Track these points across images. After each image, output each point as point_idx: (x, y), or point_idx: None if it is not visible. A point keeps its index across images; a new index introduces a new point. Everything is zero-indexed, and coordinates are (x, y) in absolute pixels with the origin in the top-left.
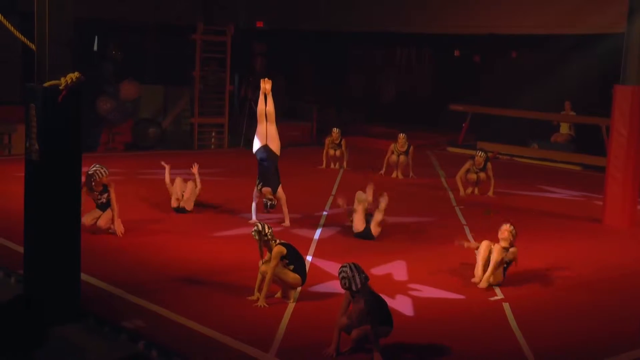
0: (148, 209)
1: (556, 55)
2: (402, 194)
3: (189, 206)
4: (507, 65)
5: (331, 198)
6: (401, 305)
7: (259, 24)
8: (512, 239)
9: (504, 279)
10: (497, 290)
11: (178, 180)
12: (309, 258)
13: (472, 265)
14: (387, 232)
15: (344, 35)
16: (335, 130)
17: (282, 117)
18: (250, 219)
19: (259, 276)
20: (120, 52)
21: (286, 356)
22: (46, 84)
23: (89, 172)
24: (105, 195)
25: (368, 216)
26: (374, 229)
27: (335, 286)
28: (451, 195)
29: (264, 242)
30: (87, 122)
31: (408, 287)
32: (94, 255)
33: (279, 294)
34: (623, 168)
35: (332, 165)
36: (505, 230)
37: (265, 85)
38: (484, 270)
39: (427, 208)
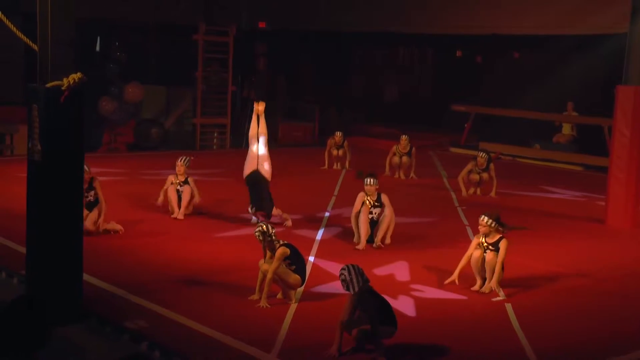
0: (150, 209)
1: (558, 55)
2: (404, 195)
3: (182, 216)
4: (509, 66)
5: (333, 199)
6: (403, 305)
7: (261, 25)
8: (493, 230)
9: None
10: (499, 290)
11: (171, 190)
12: (311, 258)
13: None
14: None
15: (345, 35)
16: (338, 134)
17: (284, 117)
18: (252, 220)
19: (260, 276)
20: (124, 53)
21: (288, 356)
22: (48, 85)
23: None
24: (92, 192)
25: None
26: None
27: (337, 287)
28: (453, 196)
29: (268, 243)
30: (89, 122)
31: (410, 288)
32: (96, 256)
33: (280, 295)
34: (625, 168)
35: (334, 166)
36: (481, 225)
37: (259, 107)
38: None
39: (429, 209)
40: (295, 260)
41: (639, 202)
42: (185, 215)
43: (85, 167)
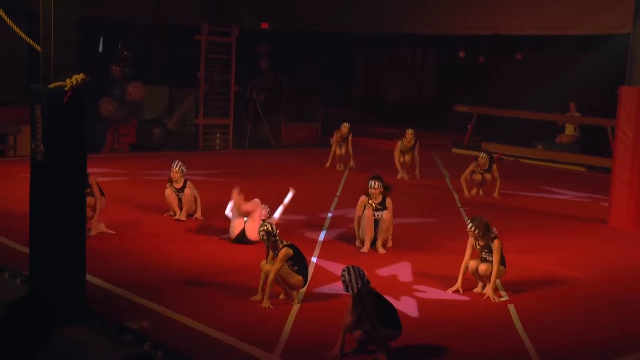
0: (153, 210)
1: (561, 56)
2: (407, 195)
3: (184, 217)
4: (512, 66)
5: (336, 199)
6: (406, 306)
7: (264, 25)
8: (480, 235)
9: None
10: (496, 298)
11: (170, 192)
12: (313, 259)
13: None
14: (393, 233)
15: (348, 36)
16: (345, 125)
17: (287, 118)
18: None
19: (262, 276)
20: (130, 53)
21: (291, 357)
22: (51, 85)
23: None
24: (88, 189)
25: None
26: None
27: (339, 288)
28: (456, 197)
29: (271, 243)
30: (92, 123)
31: (413, 289)
32: (99, 256)
33: (282, 295)
34: (629, 169)
35: (337, 167)
36: (468, 231)
37: (235, 196)
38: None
39: (431, 209)
40: (298, 261)
41: None
42: (187, 216)
43: None
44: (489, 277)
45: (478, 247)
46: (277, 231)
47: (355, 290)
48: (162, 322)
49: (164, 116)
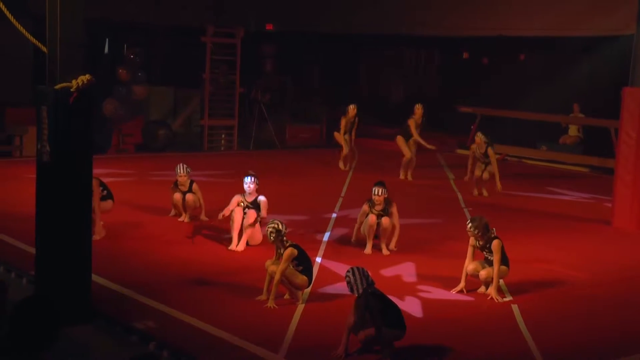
0: (158, 210)
1: (565, 57)
2: (411, 196)
3: (188, 219)
4: (516, 67)
5: (340, 200)
6: (410, 306)
7: (269, 27)
8: (480, 235)
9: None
10: (499, 298)
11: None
12: (318, 259)
13: None
14: (398, 236)
15: (352, 37)
16: (352, 106)
17: (291, 119)
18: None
19: (267, 277)
20: (137, 58)
21: (295, 357)
22: (57, 86)
23: None
24: None
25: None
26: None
27: (344, 288)
28: (460, 197)
29: (279, 241)
30: (98, 123)
31: (417, 289)
32: (104, 257)
33: (287, 295)
34: (632, 170)
35: (342, 167)
36: (468, 231)
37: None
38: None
39: (435, 210)
40: (302, 261)
41: None
42: (191, 217)
43: None
44: (490, 281)
45: (478, 246)
46: (286, 230)
47: (360, 291)
48: (167, 322)
49: (169, 117)
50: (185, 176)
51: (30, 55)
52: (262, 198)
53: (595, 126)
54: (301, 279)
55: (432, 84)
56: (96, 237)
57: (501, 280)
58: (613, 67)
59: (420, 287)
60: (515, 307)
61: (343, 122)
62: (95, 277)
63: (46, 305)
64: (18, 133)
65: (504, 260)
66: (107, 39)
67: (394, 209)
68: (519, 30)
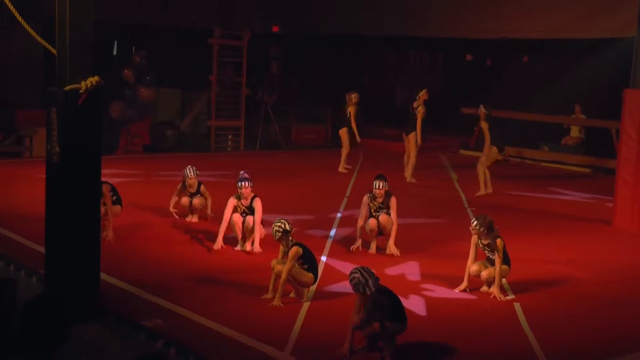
0: (166, 210)
1: (566, 59)
2: (414, 196)
3: (196, 219)
4: (518, 69)
5: (345, 200)
6: (414, 304)
7: (275, 29)
8: (484, 233)
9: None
10: (502, 297)
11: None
12: (323, 258)
13: None
14: (400, 233)
15: (358, 38)
16: (354, 95)
17: (297, 119)
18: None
19: (273, 275)
20: (145, 58)
21: (301, 355)
22: (67, 88)
23: None
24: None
25: None
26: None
27: (349, 286)
28: (463, 197)
29: (285, 240)
30: (106, 124)
31: (421, 287)
32: (113, 256)
33: (293, 294)
34: (633, 171)
35: (344, 169)
36: (472, 228)
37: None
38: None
39: (439, 209)
40: (308, 260)
41: None
42: (199, 218)
43: None
44: (492, 281)
45: (481, 245)
46: (292, 230)
47: (372, 289)
48: (174, 321)
49: (176, 118)
50: (194, 178)
51: (40, 58)
52: (257, 200)
53: (597, 127)
54: (307, 276)
55: (436, 85)
56: (109, 238)
57: (503, 279)
58: (614, 68)
59: (424, 285)
60: (517, 306)
61: (349, 106)
62: (103, 276)
63: (56, 304)
64: (28, 134)
65: (505, 260)
66: (115, 41)
67: (393, 202)
68: (522, 33)
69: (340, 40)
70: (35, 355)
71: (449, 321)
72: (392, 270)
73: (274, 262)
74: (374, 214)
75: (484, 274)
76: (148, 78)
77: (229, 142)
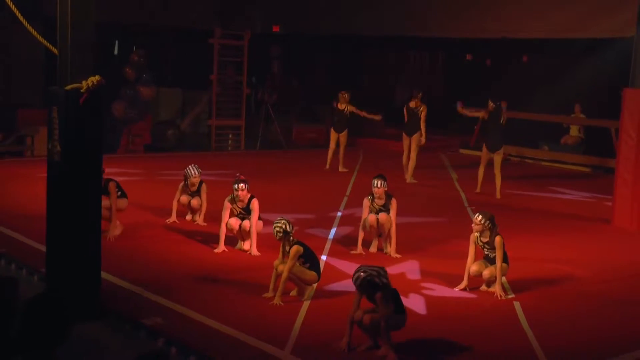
0: (167, 209)
1: (566, 58)
2: (415, 195)
3: (202, 221)
4: (518, 69)
5: (345, 199)
6: (414, 303)
7: (275, 29)
8: (486, 229)
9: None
10: (504, 295)
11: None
12: (323, 257)
13: None
14: (400, 232)
15: (358, 38)
16: (346, 95)
17: (298, 119)
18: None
19: (274, 274)
20: (143, 58)
21: (301, 353)
22: (68, 87)
23: None
24: (105, 197)
25: None
26: None
27: (349, 285)
28: (463, 196)
29: (285, 240)
30: (107, 124)
31: (421, 286)
32: (114, 255)
33: (294, 292)
34: (632, 170)
35: (342, 168)
36: (475, 223)
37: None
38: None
39: (439, 209)
40: (309, 258)
41: None
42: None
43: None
44: (493, 280)
45: (480, 243)
46: (293, 229)
47: (385, 280)
48: (175, 319)
49: (177, 118)
50: (198, 177)
51: (42, 57)
52: (254, 201)
53: (596, 126)
54: (310, 274)
55: (436, 85)
56: (116, 232)
57: (503, 278)
58: (614, 68)
59: (424, 284)
60: (517, 305)
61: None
62: (104, 275)
63: (57, 302)
64: (29, 133)
65: (504, 258)
66: (116, 41)
67: (394, 204)
68: (522, 33)
69: (341, 40)
70: (37, 354)
71: (448, 320)
72: (392, 269)
73: (276, 262)
74: (378, 217)
75: (486, 273)
76: (144, 76)
77: (230, 142)
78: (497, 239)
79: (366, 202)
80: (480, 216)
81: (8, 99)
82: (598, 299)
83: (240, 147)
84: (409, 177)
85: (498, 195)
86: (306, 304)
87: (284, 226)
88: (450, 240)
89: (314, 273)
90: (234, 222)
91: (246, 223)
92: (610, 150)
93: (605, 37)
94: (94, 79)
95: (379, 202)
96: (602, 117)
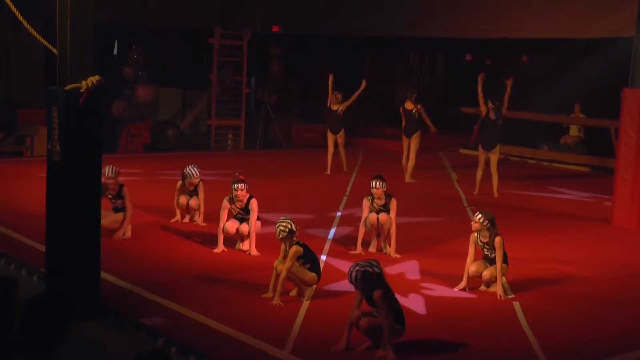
0: (166, 209)
1: (566, 58)
2: (414, 195)
3: (201, 221)
4: (518, 69)
5: (345, 199)
6: (414, 303)
7: (275, 29)
8: (484, 228)
9: (507, 266)
10: (504, 295)
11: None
12: (323, 257)
13: None
14: (400, 232)
15: (358, 39)
16: (339, 95)
17: (297, 119)
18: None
19: (274, 274)
20: (141, 56)
21: (301, 353)
22: (67, 87)
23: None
24: (120, 201)
25: None
26: None
27: (349, 285)
28: (462, 196)
29: (288, 240)
30: (107, 124)
31: (420, 286)
32: (114, 254)
33: (293, 292)
34: (632, 169)
35: (344, 169)
36: (474, 222)
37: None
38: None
39: (438, 208)
40: (309, 259)
41: None
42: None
43: (112, 172)
44: (493, 281)
45: (480, 243)
46: (297, 230)
47: (377, 270)
48: (175, 319)
49: (177, 117)
50: (198, 178)
51: (42, 57)
52: (253, 201)
53: (596, 126)
54: (310, 275)
55: (436, 85)
56: (128, 233)
57: (503, 278)
58: (613, 68)
59: (423, 284)
60: (516, 305)
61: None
62: (104, 275)
63: (57, 302)
64: (29, 133)
65: (504, 258)
66: (115, 41)
67: (394, 204)
68: (521, 33)
69: (341, 40)
70: (36, 354)
71: (448, 320)
72: (392, 269)
73: (276, 262)
74: (379, 217)
75: (486, 273)
76: (140, 73)
77: (229, 142)
78: (497, 239)
79: (366, 202)
80: (480, 215)
81: (8, 99)
82: (598, 299)
83: (239, 147)
84: (408, 177)
85: (495, 194)
86: (306, 304)
87: (289, 226)
88: (450, 240)
89: (314, 274)
90: (230, 227)
91: (244, 227)
92: (610, 150)
93: (605, 37)
94: (94, 79)
95: (379, 202)
96: (601, 117)
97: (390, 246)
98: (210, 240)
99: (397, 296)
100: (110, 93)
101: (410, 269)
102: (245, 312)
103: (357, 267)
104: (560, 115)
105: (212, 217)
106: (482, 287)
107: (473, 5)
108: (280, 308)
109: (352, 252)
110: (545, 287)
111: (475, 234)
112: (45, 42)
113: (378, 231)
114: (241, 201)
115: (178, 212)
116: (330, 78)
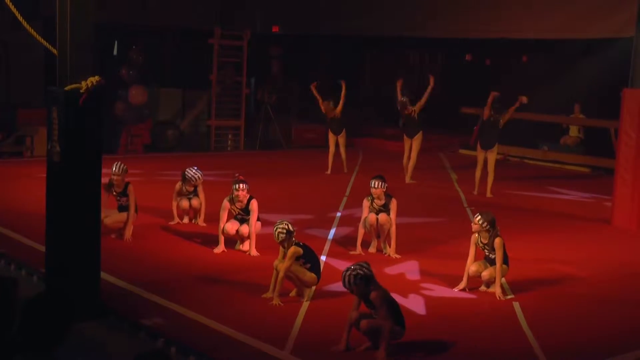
0: (166, 209)
1: (566, 59)
2: (414, 195)
3: (202, 222)
4: (518, 69)
5: (345, 199)
6: (414, 303)
7: (275, 29)
8: (482, 229)
9: (508, 267)
10: (503, 296)
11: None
12: (323, 258)
13: None
14: (400, 232)
15: (358, 39)
16: (331, 103)
17: (297, 119)
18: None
19: (274, 274)
20: (141, 56)
21: (301, 353)
22: (67, 88)
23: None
24: (125, 199)
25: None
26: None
27: None
28: (462, 197)
29: (287, 241)
30: (107, 124)
31: (420, 287)
32: (113, 254)
33: (293, 293)
34: (632, 170)
35: (345, 170)
36: (474, 223)
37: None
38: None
39: (438, 209)
40: (309, 259)
41: None
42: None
43: (119, 166)
44: (492, 281)
45: (481, 244)
46: (295, 231)
47: (367, 270)
48: (175, 319)
49: (177, 118)
50: (200, 181)
51: (42, 57)
52: (253, 201)
53: (596, 127)
54: (310, 276)
55: (436, 85)
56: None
57: (503, 279)
58: (613, 68)
59: (423, 285)
60: (516, 305)
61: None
62: (104, 275)
63: (57, 302)
64: (29, 133)
65: (504, 259)
66: (115, 42)
67: (394, 204)
68: (521, 33)
69: (341, 40)
70: (36, 354)
71: (448, 320)
72: (392, 270)
73: (276, 262)
74: (378, 217)
75: (485, 274)
76: (131, 72)
77: (229, 142)
78: (497, 240)
79: (366, 202)
80: (479, 217)
81: (8, 99)
82: (598, 299)
83: (239, 148)
84: (408, 178)
85: (489, 194)
86: (305, 305)
87: (287, 227)
88: (449, 241)
89: (313, 275)
90: (230, 228)
91: (243, 229)
92: (609, 150)
93: (605, 37)
94: (94, 79)
95: (379, 203)
96: (601, 117)
97: (390, 247)
98: (210, 240)
99: (397, 297)
100: (111, 93)
101: (410, 269)
102: (245, 312)
103: (349, 272)
104: (560, 116)
105: (212, 217)
106: (482, 288)
107: (473, 5)
108: (280, 308)
109: (351, 252)
110: (545, 287)
111: (476, 235)
112: (45, 43)
113: (378, 232)
114: (241, 202)
115: (176, 215)
116: (313, 87)
